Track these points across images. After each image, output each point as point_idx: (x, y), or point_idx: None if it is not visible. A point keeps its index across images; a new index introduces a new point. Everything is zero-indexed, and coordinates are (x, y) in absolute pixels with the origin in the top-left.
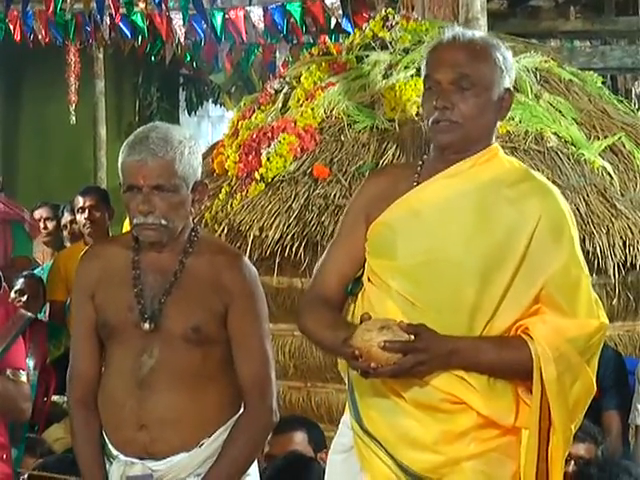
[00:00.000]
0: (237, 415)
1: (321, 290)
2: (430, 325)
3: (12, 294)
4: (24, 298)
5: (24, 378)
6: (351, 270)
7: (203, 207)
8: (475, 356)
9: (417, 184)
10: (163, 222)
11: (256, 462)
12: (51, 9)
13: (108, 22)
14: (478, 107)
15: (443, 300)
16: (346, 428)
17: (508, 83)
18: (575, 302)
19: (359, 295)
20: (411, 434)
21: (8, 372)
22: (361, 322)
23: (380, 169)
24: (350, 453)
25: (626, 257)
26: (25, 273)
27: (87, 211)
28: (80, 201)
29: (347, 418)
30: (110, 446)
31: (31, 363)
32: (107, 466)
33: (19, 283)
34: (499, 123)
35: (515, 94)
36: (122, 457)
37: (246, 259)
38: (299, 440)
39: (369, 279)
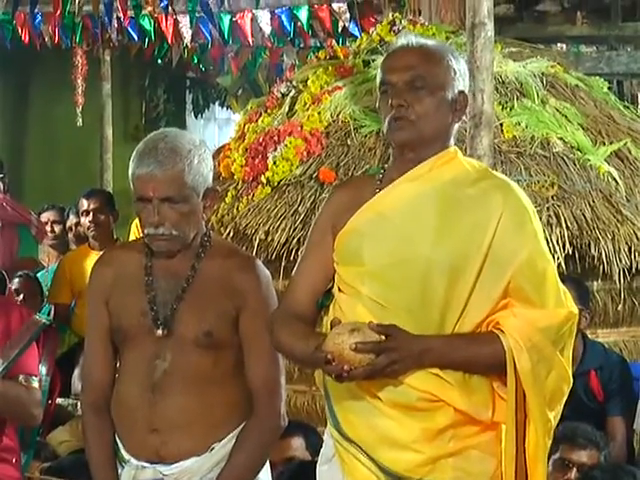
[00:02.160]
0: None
1: (292, 304)
2: (402, 326)
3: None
4: (20, 297)
5: (36, 384)
6: (321, 283)
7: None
8: (448, 353)
9: (379, 190)
10: (174, 232)
11: (268, 465)
12: (59, 11)
13: (115, 25)
14: (432, 106)
15: (413, 300)
16: (328, 438)
17: (462, 86)
18: (543, 292)
19: (330, 307)
20: (390, 434)
21: (20, 378)
22: (331, 327)
23: (343, 182)
24: (332, 462)
25: (631, 262)
26: (20, 273)
27: (91, 214)
28: (84, 204)
29: (327, 427)
30: (122, 450)
31: (44, 369)
32: (119, 470)
33: (15, 283)
34: (458, 125)
35: (521, 99)
36: (134, 461)
37: (258, 261)
38: (297, 445)
39: (339, 289)
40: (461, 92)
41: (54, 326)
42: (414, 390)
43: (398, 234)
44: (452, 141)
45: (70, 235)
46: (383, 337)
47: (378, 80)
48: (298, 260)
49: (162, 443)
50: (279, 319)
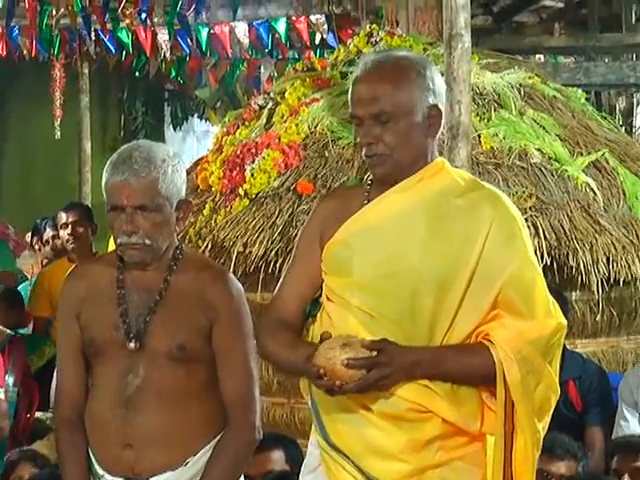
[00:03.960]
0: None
1: (280, 314)
2: (391, 337)
3: None
4: None
5: (2, 395)
6: (308, 292)
7: (187, 223)
8: (438, 366)
9: (368, 202)
10: (147, 242)
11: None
12: (35, 24)
13: (93, 37)
14: (402, 135)
15: (402, 312)
16: (313, 448)
17: (432, 99)
18: (532, 304)
19: (318, 316)
20: (377, 444)
21: None
22: (321, 340)
23: (330, 192)
24: (317, 472)
25: (610, 273)
26: None
27: (70, 227)
28: (63, 217)
29: (313, 438)
30: (96, 465)
31: (10, 380)
32: None
33: None
34: (437, 138)
35: (499, 110)
36: (108, 476)
37: (231, 275)
38: (276, 459)
39: (328, 298)
40: (433, 106)
41: (20, 337)
42: (403, 401)
43: (387, 246)
44: (436, 153)
45: (47, 248)
46: (374, 353)
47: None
48: (285, 269)
49: (136, 458)
50: (266, 327)
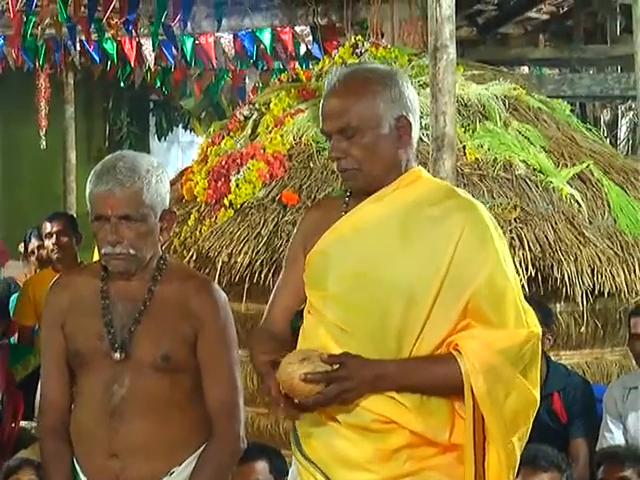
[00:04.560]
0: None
1: (270, 324)
2: (362, 350)
3: None
4: None
5: None
6: (294, 304)
7: (172, 233)
8: (403, 378)
9: (346, 212)
10: (131, 252)
11: None
12: (20, 34)
13: (78, 47)
14: (369, 148)
15: (373, 325)
16: (294, 460)
17: (399, 110)
18: (503, 313)
19: (301, 329)
20: (345, 454)
21: None
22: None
23: (314, 203)
24: None
25: (594, 285)
26: None
27: (54, 236)
28: (47, 227)
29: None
30: (81, 475)
31: None
32: None
33: None
34: (410, 148)
35: (484, 122)
36: None
37: (215, 285)
38: (260, 469)
39: (309, 311)
40: (401, 117)
41: (5, 345)
42: (368, 412)
43: (360, 256)
44: (412, 163)
45: (32, 258)
46: (335, 366)
47: None
48: (270, 280)
49: (122, 468)
50: (256, 338)
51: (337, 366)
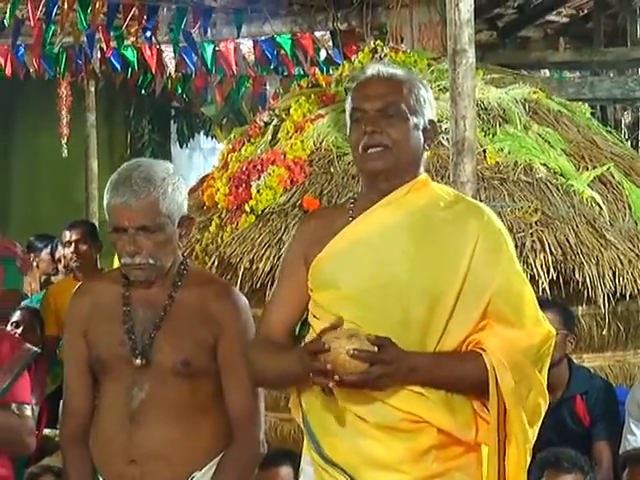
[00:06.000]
0: None
1: (267, 335)
2: None
3: (9, 326)
4: (19, 330)
5: (29, 412)
6: (295, 313)
7: (193, 240)
8: (434, 371)
9: (352, 219)
10: (150, 261)
11: None
12: (40, 43)
13: (99, 55)
14: (405, 132)
15: (393, 322)
16: (306, 465)
17: (431, 115)
18: (521, 313)
19: (307, 337)
20: (374, 455)
21: (13, 406)
22: (323, 332)
23: (310, 213)
24: None
25: (616, 287)
26: (22, 305)
27: (73, 245)
28: (67, 235)
29: (306, 456)
30: None
31: (33, 399)
32: None
33: (16, 315)
34: (426, 154)
35: (504, 125)
36: None
37: (236, 289)
38: (285, 474)
39: (314, 316)
40: (431, 121)
41: (44, 356)
42: (397, 411)
43: (375, 259)
44: (422, 168)
45: (60, 266)
46: (376, 349)
47: (348, 109)
48: (271, 292)
49: (141, 474)
50: (253, 348)
51: (377, 349)
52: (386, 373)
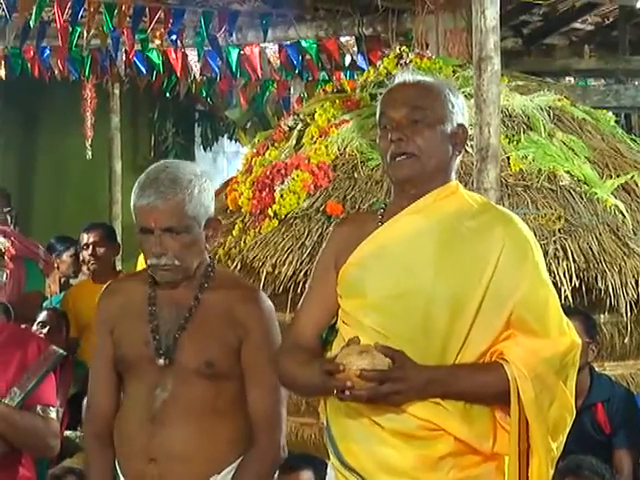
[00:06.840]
0: None
1: (297, 339)
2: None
3: (34, 326)
4: (45, 330)
5: (53, 415)
6: (325, 319)
7: (216, 243)
8: (452, 384)
9: (381, 224)
10: (177, 263)
11: None
12: (66, 45)
13: (124, 58)
14: (432, 139)
15: (415, 330)
16: (330, 470)
17: (461, 119)
18: (546, 322)
19: (334, 342)
20: (389, 461)
21: (38, 408)
22: (347, 344)
23: (344, 218)
24: None
25: (638, 295)
26: (48, 306)
27: (91, 247)
28: (84, 238)
29: (330, 461)
30: (122, 479)
31: (57, 401)
32: None
33: (42, 315)
34: (458, 159)
35: (528, 133)
36: None
37: (262, 293)
38: (306, 479)
39: (343, 322)
40: (460, 125)
41: (70, 358)
42: (414, 418)
43: (399, 266)
44: (453, 175)
45: (84, 268)
46: (389, 361)
47: (378, 116)
48: (303, 296)
49: (160, 473)
50: (284, 352)
51: (390, 362)
52: (397, 391)
